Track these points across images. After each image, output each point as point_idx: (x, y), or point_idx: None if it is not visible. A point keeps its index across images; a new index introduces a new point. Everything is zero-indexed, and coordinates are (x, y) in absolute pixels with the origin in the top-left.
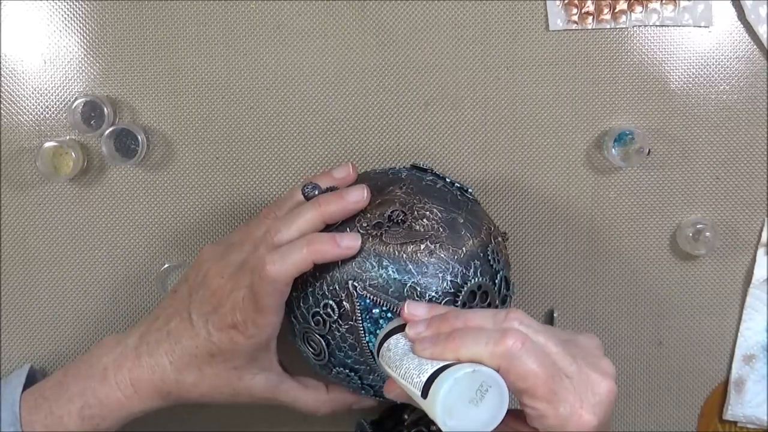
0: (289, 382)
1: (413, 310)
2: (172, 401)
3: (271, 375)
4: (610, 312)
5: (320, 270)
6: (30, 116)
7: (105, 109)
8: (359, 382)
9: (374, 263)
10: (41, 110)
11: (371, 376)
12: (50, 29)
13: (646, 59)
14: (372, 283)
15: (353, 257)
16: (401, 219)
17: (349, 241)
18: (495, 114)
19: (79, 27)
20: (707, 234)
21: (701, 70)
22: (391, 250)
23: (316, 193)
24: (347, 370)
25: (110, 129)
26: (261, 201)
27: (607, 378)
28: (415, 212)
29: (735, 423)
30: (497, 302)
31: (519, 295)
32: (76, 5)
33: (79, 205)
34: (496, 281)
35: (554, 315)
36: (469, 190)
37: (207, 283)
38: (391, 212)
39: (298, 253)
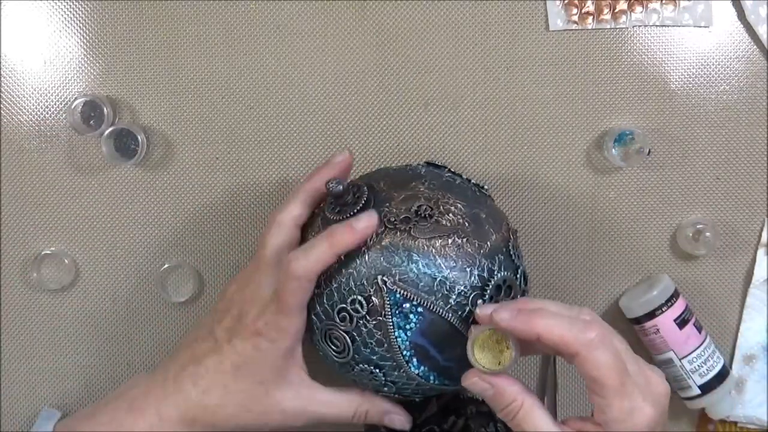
0: (323, 391)
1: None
2: (200, 430)
3: (302, 389)
4: (610, 312)
5: (346, 266)
6: (30, 116)
7: (105, 109)
8: (383, 378)
9: (404, 258)
10: (41, 110)
11: (396, 373)
12: (50, 29)
13: (646, 59)
14: (402, 277)
15: (382, 252)
16: (428, 214)
17: (364, 222)
18: (495, 114)
19: (79, 27)
20: (707, 234)
21: (701, 70)
22: (420, 244)
23: (340, 188)
24: (371, 367)
25: (110, 129)
26: (261, 201)
27: (663, 379)
28: (441, 207)
29: (735, 423)
30: (518, 297)
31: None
32: (76, 5)
33: (79, 205)
34: (518, 275)
35: None
36: (485, 187)
37: (229, 298)
38: (418, 207)
39: (320, 247)
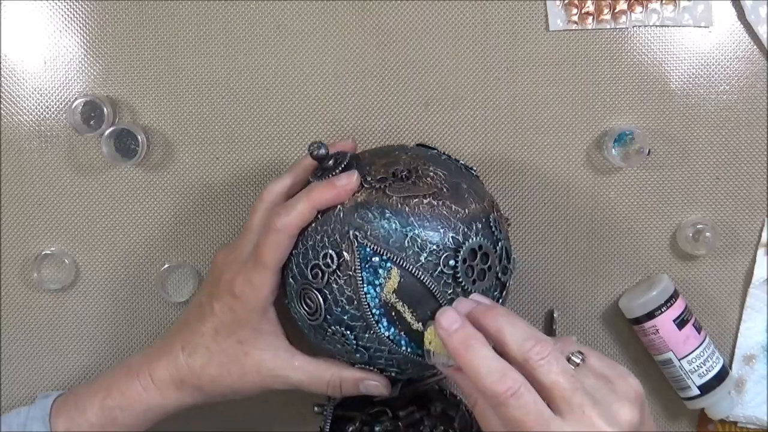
0: (301, 357)
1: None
2: (189, 394)
3: (280, 352)
4: (610, 312)
5: (322, 223)
6: (30, 116)
7: (105, 109)
8: (354, 343)
9: (376, 214)
10: (41, 110)
11: (366, 335)
12: (50, 29)
13: (646, 59)
14: (373, 233)
15: (356, 208)
16: (405, 176)
17: (345, 179)
18: (495, 114)
19: (79, 27)
20: (707, 234)
21: (701, 70)
22: (394, 202)
23: (322, 151)
24: (343, 329)
25: (110, 129)
26: None
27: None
28: (420, 171)
29: (735, 423)
30: (498, 269)
31: (519, 296)
32: (76, 5)
33: (79, 205)
34: (498, 248)
35: (554, 315)
36: (473, 169)
37: (214, 268)
38: (395, 169)
39: (300, 202)
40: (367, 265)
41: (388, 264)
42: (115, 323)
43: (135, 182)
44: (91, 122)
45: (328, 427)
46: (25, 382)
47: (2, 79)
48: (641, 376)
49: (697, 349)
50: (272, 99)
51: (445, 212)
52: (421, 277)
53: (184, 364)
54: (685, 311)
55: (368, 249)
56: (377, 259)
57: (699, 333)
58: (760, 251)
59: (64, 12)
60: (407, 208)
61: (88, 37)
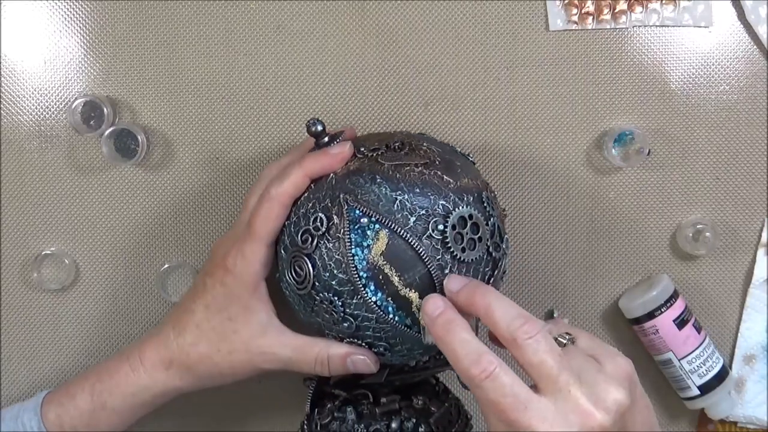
0: (290, 333)
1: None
2: (177, 376)
3: (269, 329)
4: (610, 312)
5: (314, 191)
6: (30, 116)
7: (105, 109)
8: (342, 310)
9: (367, 179)
10: (41, 110)
11: (354, 301)
12: (50, 29)
13: (646, 59)
14: (363, 197)
15: (348, 175)
16: (398, 147)
17: (338, 148)
18: (495, 114)
19: (79, 27)
20: (707, 234)
21: (701, 70)
22: (386, 168)
23: (319, 128)
24: (331, 295)
25: (110, 129)
26: None
27: (600, 412)
28: (413, 145)
29: (735, 423)
30: (488, 243)
31: (519, 296)
32: (76, 5)
33: (79, 205)
34: (489, 223)
35: (554, 315)
36: (470, 156)
37: (211, 251)
38: (389, 141)
39: (293, 172)
40: (355, 227)
41: (376, 226)
42: (115, 323)
43: (135, 182)
44: (91, 122)
45: (309, 398)
46: (25, 382)
47: (2, 79)
48: (641, 376)
49: (697, 349)
50: (272, 99)
51: (436, 181)
52: (410, 240)
53: (174, 343)
54: (685, 311)
55: (357, 211)
56: (365, 220)
57: (699, 333)
58: (760, 251)
59: (64, 12)
60: (398, 175)
61: (88, 37)
